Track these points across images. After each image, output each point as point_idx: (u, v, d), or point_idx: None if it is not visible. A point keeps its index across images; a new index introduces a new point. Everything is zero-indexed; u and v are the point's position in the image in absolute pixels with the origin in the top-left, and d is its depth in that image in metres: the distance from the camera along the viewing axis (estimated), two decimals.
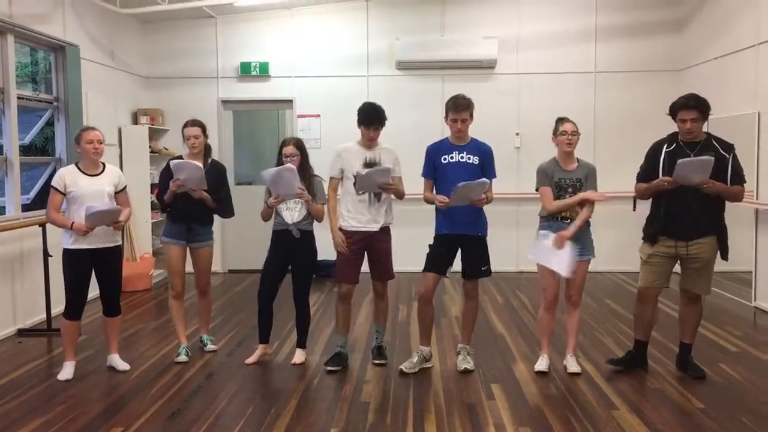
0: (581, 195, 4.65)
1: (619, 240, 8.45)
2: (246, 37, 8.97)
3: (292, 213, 4.92)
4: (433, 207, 4.84)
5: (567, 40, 8.83)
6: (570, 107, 8.74)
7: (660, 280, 4.63)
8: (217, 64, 8.99)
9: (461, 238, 4.75)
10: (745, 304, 6.86)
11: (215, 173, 5.20)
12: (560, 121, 4.85)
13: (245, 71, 8.91)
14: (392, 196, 4.90)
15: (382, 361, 4.96)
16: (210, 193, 5.07)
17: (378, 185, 4.70)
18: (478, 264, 4.80)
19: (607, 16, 8.79)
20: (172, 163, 5.02)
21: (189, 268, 5.28)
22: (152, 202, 8.31)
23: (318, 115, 8.95)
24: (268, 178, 4.76)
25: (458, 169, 4.69)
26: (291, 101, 9.02)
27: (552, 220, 4.74)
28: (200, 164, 5.01)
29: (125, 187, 4.96)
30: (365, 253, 4.92)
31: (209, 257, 5.35)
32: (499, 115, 8.69)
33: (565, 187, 4.72)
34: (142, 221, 8.15)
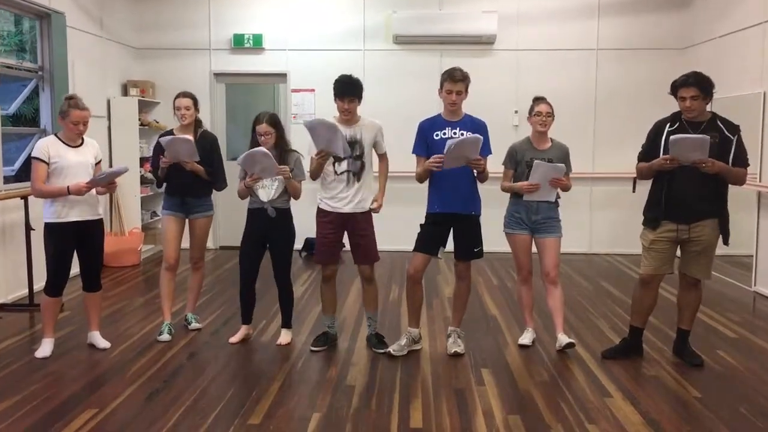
0: (519, 185, 4.69)
1: (617, 222, 8.31)
2: (239, 8, 8.74)
3: (267, 191, 4.75)
4: (425, 185, 4.68)
5: (568, 15, 8.59)
6: (571, 85, 8.63)
7: (664, 266, 4.47)
8: (210, 36, 8.77)
9: (454, 217, 4.59)
10: (744, 288, 6.71)
11: (206, 144, 5.06)
12: (536, 101, 4.81)
13: (238, 43, 8.69)
14: (371, 176, 4.73)
15: (385, 350, 4.73)
16: (202, 164, 4.93)
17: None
18: (470, 245, 4.65)
19: None
20: (162, 140, 4.86)
21: (185, 243, 5.17)
22: (141, 176, 8.14)
23: (312, 90, 8.74)
24: (242, 162, 4.61)
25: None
26: (285, 75, 8.81)
27: (519, 198, 4.74)
28: (190, 137, 4.86)
29: (101, 159, 4.81)
30: (345, 233, 4.76)
31: (206, 228, 5.23)
32: (497, 92, 8.49)
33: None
34: (131, 196, 7.98)
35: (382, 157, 4.81)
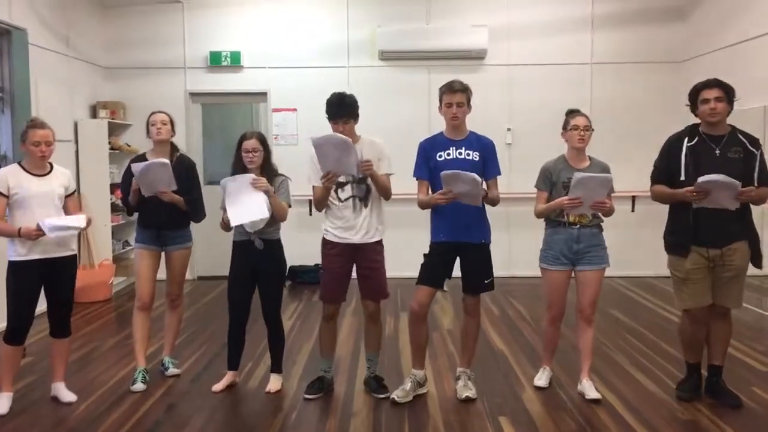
0: (557, 201, 4.12)
1: (616, 243, 7.85)
2: (216, 24, 8.27)
3: (255, 223, 4.26)
4: (426, 212, 4.23)
5: (561, 28, 8.26)
6: (565, 100, 8.18)
7: (706, 295, 4.04)
8: (185, 54, 8.29)
9: (461, 246, 4.14)
10: (759, 312, 6.32)
11: (183, 170, 4.56)
12: (571, 113, 4.32)
13: (215, 61, 8.21)
14: (380, 201, 4.27)
15: (386, 395, 4.25)
16: (177, 192, 4.43)
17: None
18: (480, 276, 4.19)
19: (605, 3, 8.24)
20: (134, 167, 4.35)
21: (161, 275, 4.69)
22: (112, 203, 7.60)
23: (294, 109, 8.30)
24: (231, 188, 4.15)
25: (457, 167, 4.05)
26: (265, 94, 8.35)
27: (557, 226, 4.22)
28: (167, 160, 4.35)
29: (75, 191, 4.30)
30: (353, 267, 4.29)
31: (183, 262, 4.72)
32: (489, 109, 8.07)
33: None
34: (101, 225, 7.42)
35: (386, 177, 4.28)
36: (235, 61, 8.22)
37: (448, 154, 4.16)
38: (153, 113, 4.61)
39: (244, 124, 9.04)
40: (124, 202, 4.59)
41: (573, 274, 4.28)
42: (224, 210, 4.25)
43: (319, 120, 8.15)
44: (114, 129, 7.89)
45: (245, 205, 4.14)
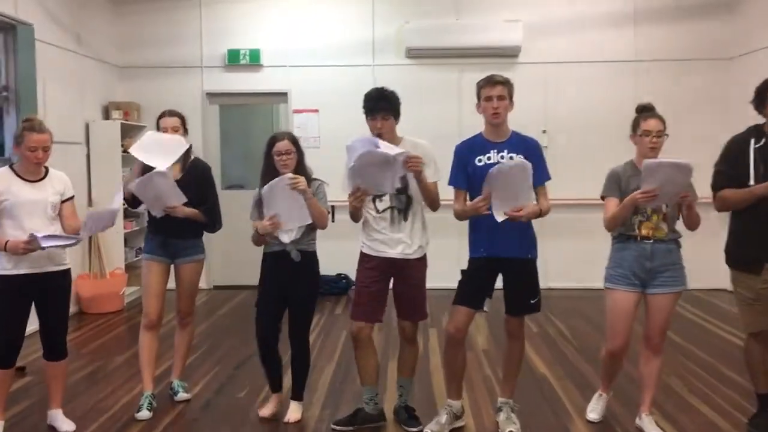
0: (629, 198, 3.50)
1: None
2: (234, 20, 7.86)
3: (290, 231, 3.82)
4: (463, 223, 3.76)
5: (601, 24, 7.74)
6: (605, 101, 7.74)
7: None
8: (202, 52, 7.89)
9: (503, 261, 3.66)
10: None
11: (198, 176, 4.15)
12: (643, 114, 3.72)
13: (233, 60, 7.80)
14: (424, 210, 3.82)
15: (419, 428, 3.77)
16: (192, 202, 4.00)
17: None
18: (525, 295, 3.71)
19: None
20: (131, 185, 3.96)
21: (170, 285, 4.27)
22: (124, 209, 7.20)
23: (316, 110, 7.86)
24: (268, 193, 3.71)
25: None
26: (286, 94, 7.92)
27: (627, 241, 3.67)
28: (165, 170, 3.88)
29: (72, 196, 3.87)
30: (390, 284, 3.82)
31: (195, 276, 4.28)
32: (523, 110, 7.27)
33: None
34: (113, 232, 7.00)
35: (435, 184, 3.79)
36: (254, 60, 7.80)
37: (489, 158, 3.68)
38: (163, 115, 4.22)
39: (264, 126, 8.64)
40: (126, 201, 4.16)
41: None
42: (255, 220, 3.84)
43: (341, 121, 7.87)
44: (127, 131, 7.51)
45: (285, 211, 3.70)
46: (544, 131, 7.69)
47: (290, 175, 3.67)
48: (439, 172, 3.78)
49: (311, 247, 3.92)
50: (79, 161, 6.82)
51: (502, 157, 3.67)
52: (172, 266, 4.22)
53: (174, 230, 4.09)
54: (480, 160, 3.69)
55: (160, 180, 3.83)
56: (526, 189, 3.47)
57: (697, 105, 7.59)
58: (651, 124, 3.64)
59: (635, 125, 3.71)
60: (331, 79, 7.78)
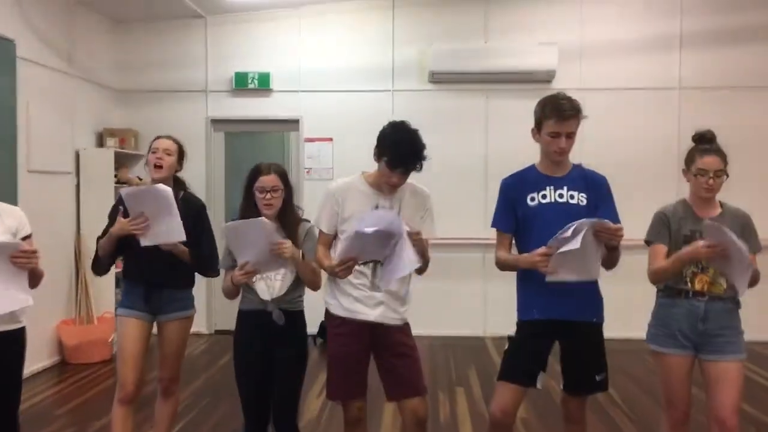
0: (691, 248, 2.89)
1: None
2: (242, 41, 7.25)
3: (270, 283, 3.12)
4: (510, 274, 3.05)
5: (643, 47, 7.07)
6: (647, 132, 7.03)
7: None
8: (207, 75, 7.26)
9: (563, 327, 2.94)
10: None
11: (191, 213, 3.45)
12: (700, 149, 3.14)
13: (241, 84, 7.17)
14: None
15: None
16: (186, 244, 3.33)
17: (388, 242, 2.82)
18: (590, 370, 2.98)
19: (696, 18, 7.02)
20: (125, 192, 3.27)
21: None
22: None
23: (330, 139, 7.20)
24: (231, 236, 3.01)
25: (557, 215, 2.90)
26: (297, 121, 7.27)
27: (676, 296, 3.04)
28: (167, 188, 3.24)
29: (30, 234, 3.17)
30: (371, 354, 3.11)
31: (183, 336, 3.55)
32: None
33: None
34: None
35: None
36: (263, 84, 7.17)
37: (544, 197, 2.99)
38: (158, 137, 3.57)
39: (275, 156, 7.96)
40: (95, 259, 3.48)
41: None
42: (227, 269, 3.15)
43: (358, 151, 7.11)
44: (123, 160, 6.87)
45: (260, 256, 3.00)
46: (580, 164, 6.97)
47: (265, 221, 2.97)
48: (435, 226, 3.14)
49: (298, 305, 3.21)
50: (67, 193, 6.15)
51: (560, 196, 2.98)
52: (154, 323, 3.50)
53: (158, 278, 3.39)
54: (533, 199, 3.00)
55: (160, 200, 3.16)
56: (597, 254, 2.76)
57: (751, 137, 6.87)
58: (708, 162, 3.04)
59: (690, 159, 3.12)
60: (347, 105, 7.14)
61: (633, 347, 5.08)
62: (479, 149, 7.02)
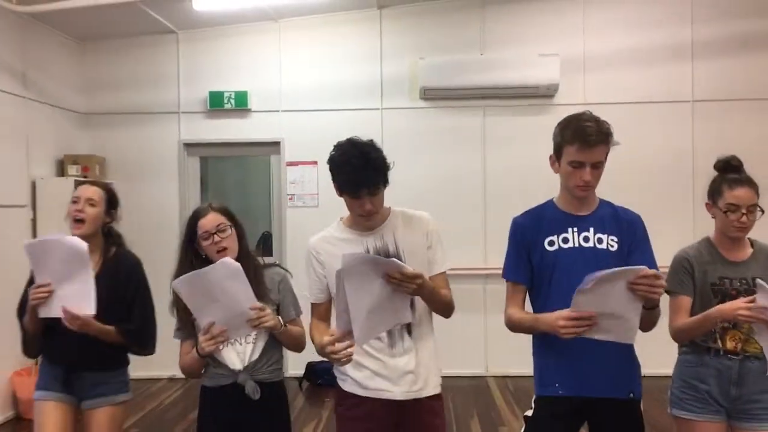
0: (729, 307, 2.43)
1: None
2: (217, 58, 6.67)
3: (242, 349, 2.52)
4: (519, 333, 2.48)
5: (653, 57, 6.50)
6: (659, 149, 6.46)
7: None
8: (179, 95, 6.67)
9: (593, 405, 2.35)
10: None
11: (121, 277, 2.82)
12: (727, 179, 2.65)
13: (216, 104, 6.59)
14: (432, 321, 2.53)
15: None
16: (108, 315, 2.70)
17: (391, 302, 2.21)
18: None
19: (709, 25, 6.47)
20: (26, 243, 2.68)
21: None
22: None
23: (315, 163, 6.60)
24: (186, 293, 2.41)
25: (582, 263, 2.32)
26: (278, 144, 6.68)
27: (704, 354, 2.58)
28: (81, 242, 2.62)
29: None
30: None
31: (111, 428, 2.85)
32: None
33: (729, 292, 2.56)
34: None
35: (441, 278, 2.52)
36: (240, 104, 6.58)
37: (565, 240, 2.42)
38: (80, 183, 3.01)
39: (255, 182, 7.39)
40: (22, 330, 2.85)
41: None
42: (183, 340, 2.56)
43: None
44: None
45: (228, 314, 2.43)
46: None
47: (232, 264, 2.38)
48: (447, 256, 2.52)
49: (276, 375, 2.61)
50: (21, 227, 5.53)
51: (586, 239, 2.40)
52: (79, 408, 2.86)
53: (80, 356, 2.75)
54: (552, 243, 2.42)
55: (75, 258, 2.55)
56: (634, 312, 2.17)
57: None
58: (740, 195, 2.56)
59: (716, 192, 2.64)
60: (332, 125, 6.54)
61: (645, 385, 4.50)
62: (477, 171, 6.45)
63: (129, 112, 6.64)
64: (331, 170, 2.40)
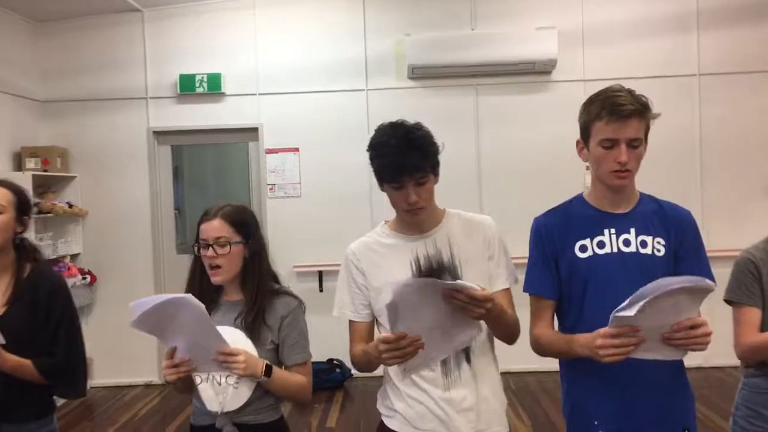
0: None
1: (727, 329, 5.69)
2: (187, 38, 6.15)
3: (219, 389, 2.06)
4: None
5: (654, 30, 6.09)
6: (662, 126, 6.04)
7: None
8: (146, 79, 6.16)
9: None
10: None
11: (40, 299, 2.30)
12: None
13: (187, 88, 6.08)
14: (493, 348, 2.10)
15: None
16: (24, 347, 2.22)
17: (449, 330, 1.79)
18: None
19: None
20: None
21: None
22: None
23: (296, 149, 6.14)
24: (142, 325, 1.97)
25: (623, 272, 1.92)
26: (256, 130, 6.19)
27: None
28: None
29: None
30: None
31: None
32: (559, 140, 5.89)
33: None
34: None
35: (504, 295, 2.05)
36: (213, 87, 6.08)
37: (601, 245, 2.00)
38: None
39: (232, 171, 6.89)
40: None
41: None
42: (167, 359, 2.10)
43: (329, 164, 6.14)
44: (49, 184, 5.79)
45: (198, 346, 2.00)
46: (588, 167, 5.96)
47: (197, 309, 1.93)
48: (514, 271, 2.07)
49: (271, 414, 2.16)
50: None
51: (626, 243, 1.98)
52: None
53: None
54: (584, 248, 2.00)
55: None
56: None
57: None
58: None
59: None
60: (314, 109, 6.10)
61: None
62: (470, 154, 6.02)
63: (92, 99, 6.12)
64: (370, 158, 1.98)
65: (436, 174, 2.00)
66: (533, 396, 5.25)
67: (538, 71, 6.01)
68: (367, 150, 1.98)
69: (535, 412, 4.92)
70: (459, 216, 2.09)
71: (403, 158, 1.89)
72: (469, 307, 1.71)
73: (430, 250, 2.00)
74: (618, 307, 1.70)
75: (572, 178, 5.87)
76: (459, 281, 1.75)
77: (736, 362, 2.36)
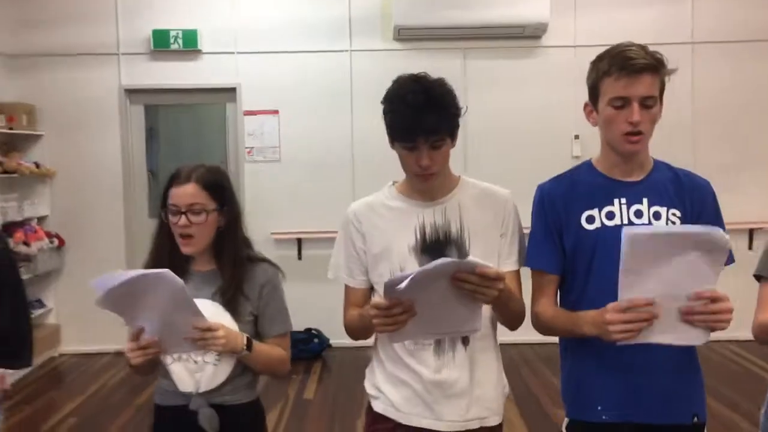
0: None
1: (730, 293, 5.63)
2: None
3: (196, 367, 1.89)
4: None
5: None
6: None
7: None
8: (118, 34, 5.85)
9: (648, 430, 1.78)
10: None
11: None
12: None
13: (161, 44, 5.79)
14: (494, 334, 1.93)
15: None
16: None
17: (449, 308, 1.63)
18: None
19: None
20: None
21: None
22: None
23: (276, 112, 5.91)
24: (107, 299, 1.76)
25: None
26: (234, 90, 5.94)
27: None
28: None
29: None
30: None
31: None
32: (549, 108, 5.79)
33: None
34: None
35: (512, 278, 1.88)
36: (189, 44, 5.80)
37: (610, 215, 1.83)
38: None
39: (208, 133, 6.61)
40: None
41: None
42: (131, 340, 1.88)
43: (310, 126, 5.87)
44: (14, 142, 5.53)
45: (164, 329, 1.81)
46: (576, 136, 5.86)
47: (171, 278, 1.73)
48: (524, 250, 1.91)
49: (246, 395, 1.99)
50: None
51: (638, 214, 1.81)
52: None
53: None
54: (591, 219, 1.83)
55: None
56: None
57: None
58: None
59: None
60: (295, 69, 5.86)
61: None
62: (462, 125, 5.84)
63: (61, 54, 5.80)
64: (383, 112, 1.80)
65: (453, 138, 1.82)
66: (514, 367, 5.17)
67: (527, 35, 5.82)
68: (381, 102, 1.80)
69: (516, 383, 4.82)
70: (474, 185, 1.92)
71: (419, 116, 1.70)
72: (480, 289, 1.54)
73: (438, 219, 1.84)
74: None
75: (559, 146, 5.78)
76: (470, 258, 1.58)
77: (729, 336, 2.21)
